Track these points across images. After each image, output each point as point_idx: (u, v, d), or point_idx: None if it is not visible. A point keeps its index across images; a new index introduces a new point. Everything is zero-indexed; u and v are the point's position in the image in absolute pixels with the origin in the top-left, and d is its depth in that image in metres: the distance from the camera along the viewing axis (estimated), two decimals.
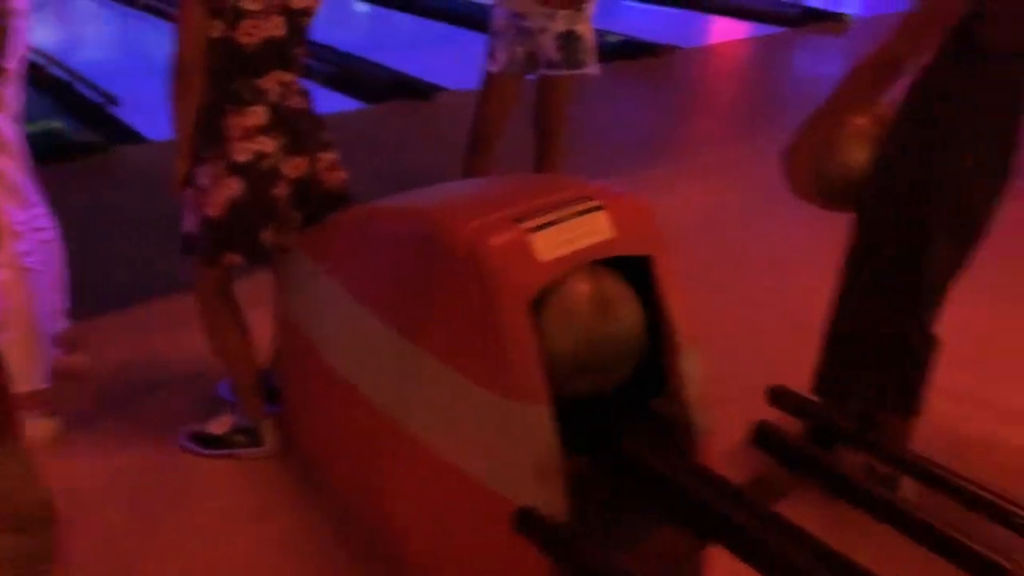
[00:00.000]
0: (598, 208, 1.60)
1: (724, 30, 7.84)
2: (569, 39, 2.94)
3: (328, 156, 2.09)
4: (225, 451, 2.23)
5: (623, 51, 6.14)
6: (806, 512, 1.53)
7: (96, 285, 3.01)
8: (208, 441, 2.25)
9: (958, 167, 1.85)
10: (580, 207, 1.59)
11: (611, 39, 6.26)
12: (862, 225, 2.02)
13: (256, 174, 1.94)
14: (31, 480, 1.33)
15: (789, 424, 1.76)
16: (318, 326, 2.01)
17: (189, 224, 2.04)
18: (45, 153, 4.07)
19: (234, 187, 1.93)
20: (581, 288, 1.55)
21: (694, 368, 1.64)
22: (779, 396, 1.72)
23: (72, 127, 4.54)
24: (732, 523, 1.41)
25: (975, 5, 1.73)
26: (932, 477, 1.56)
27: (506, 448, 1.49)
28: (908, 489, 1.82)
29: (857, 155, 1.97)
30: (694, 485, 1.48)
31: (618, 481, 1.56)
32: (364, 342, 1.82)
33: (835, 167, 2.00)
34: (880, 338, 1.99)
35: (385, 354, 1.74)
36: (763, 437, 1.65)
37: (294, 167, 2.00)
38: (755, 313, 2.97)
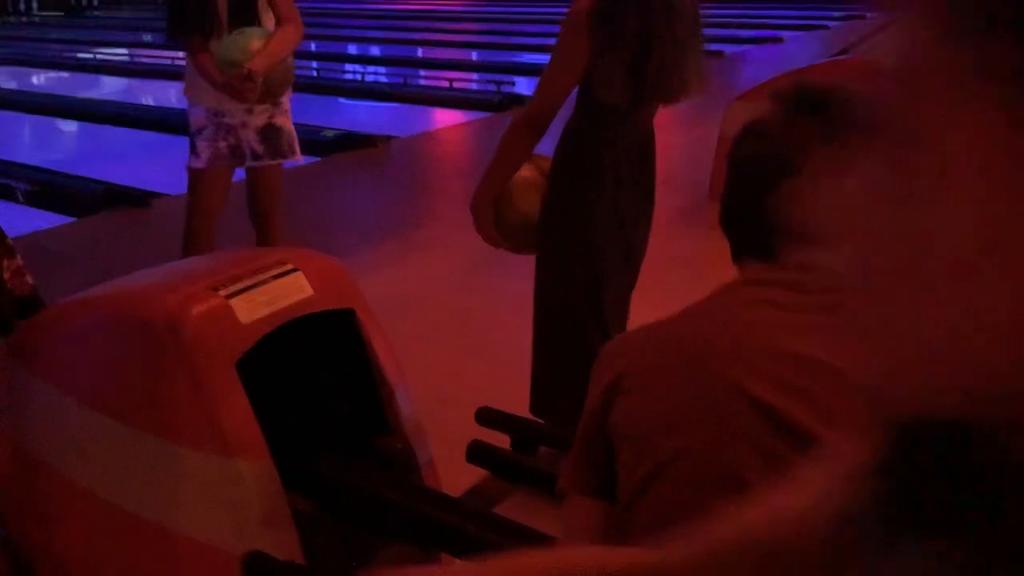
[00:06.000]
0: (293, 270, 1.74)
1: (436, 119, 8.36)
2: (269, 131, 3.10)
3: (14, 262, 2.07)
4: None
5: (342, 144, 6.38)
6: (519, 510, 1.73)
7: None
8: None
9: (607, 199, 2.21)
10: (276, 271, 1.72)
11: (329, 133, 6.49)
12: (545, 261, 2.31)
13: None
14: None
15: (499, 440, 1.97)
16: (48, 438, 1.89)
17: None
18: None
19: None
20: None
21: (408, 405, 1.80)
22: (486, 417, 1.92)
23: None
24: (453, 530, 1.57)
25: (592, 71, 2.10)
26: None
27: (232, 505, 1.56)
28: None
29: (529, 202, 2.28)
30: (415, 504, 1.62)
31: (348, 515, 1.68)
32: (96, 444, 1.73)
33: (512, 215, 2.30)
34: (573, 356, 2.28)
35: (117, 452, 1.68)
36: (475, 454, 1.84)
37: None
38: (470, 359, 3.23)
